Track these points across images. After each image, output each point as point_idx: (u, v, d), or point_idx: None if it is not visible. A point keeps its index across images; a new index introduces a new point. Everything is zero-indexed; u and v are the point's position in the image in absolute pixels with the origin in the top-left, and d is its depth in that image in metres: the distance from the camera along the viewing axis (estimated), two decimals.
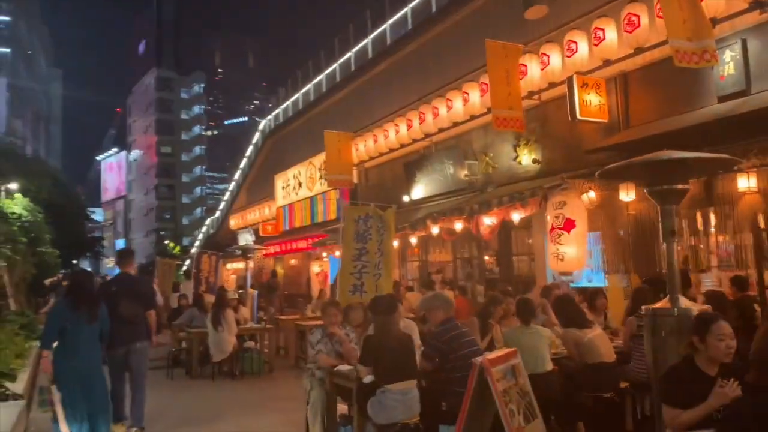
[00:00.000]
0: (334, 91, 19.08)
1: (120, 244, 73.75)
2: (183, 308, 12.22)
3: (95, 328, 5.43)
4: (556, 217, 7.95)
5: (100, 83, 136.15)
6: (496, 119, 9.78)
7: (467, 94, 11.52)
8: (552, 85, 9.82)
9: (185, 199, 79.84)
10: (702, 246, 7.31)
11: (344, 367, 5.28)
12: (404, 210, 13.27)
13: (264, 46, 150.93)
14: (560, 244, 7.91)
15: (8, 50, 54.62)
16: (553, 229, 8.00)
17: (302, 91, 21.73)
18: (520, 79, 10.11)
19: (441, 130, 12.55)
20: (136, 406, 6.28)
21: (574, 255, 7.86)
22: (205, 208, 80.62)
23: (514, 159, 11.04)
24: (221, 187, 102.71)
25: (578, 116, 8.81)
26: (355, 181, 16.35)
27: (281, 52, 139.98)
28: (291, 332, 12.55)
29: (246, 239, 24.54)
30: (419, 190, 13.36)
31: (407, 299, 12.70)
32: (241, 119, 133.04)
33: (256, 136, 27.15)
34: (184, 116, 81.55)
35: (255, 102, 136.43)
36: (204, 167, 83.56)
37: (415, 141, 13.53)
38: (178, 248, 44.02)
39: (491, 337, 6.16)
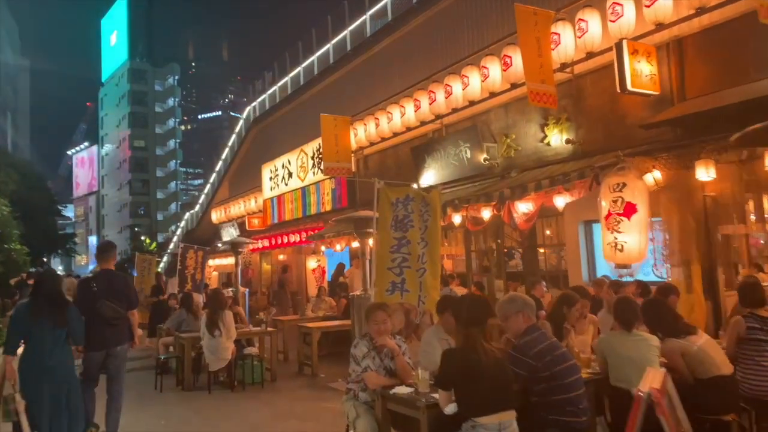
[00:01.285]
0: (328, 73, 17.79)
1: (93, 241, 71.47)
2: (169, 308, 10.93)
3: (63, 332, 5.07)
4: (614, 201, 6.86)
5: (70, 75, 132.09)
6: (531, 93, 8.67)
7: (486, 69, 10.39)
8: (590, 56, 8.75)
9: (160, 195, 77.88)
10: None
11: (403, 389, 4.11)
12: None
13: (238, 38, 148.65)
14: (619, 232, 6.82)
15: None
16: (610, 215, 6.91)
17: (291, 74, 20.37)
18: (552, 50, 9.04)
19: (455, 110, 11.41)
20: (113, 414, 5.86)
21: (636, 244, 6.78)
22: (180, 203, 78.78)
23: (542, 140, 9.95)
24: (196, 182, 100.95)
25: (629, 87, 7.74)
26: (353, 169, 15.14)
27: (256, 45, 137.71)
28: (291, 334, 11.34)
29: (230, 234, 23.16)
30: (430, 176, 12.20)
31: None
32: (215, 113, 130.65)
33: (240, 125, 25.69)
34: (158, 109, 79.45)
35: (229, 96, 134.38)
36: (179, 161, 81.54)
37: (423, 123, 12.37)
38: (154, 244, 42.25)
39: (566, 345, 5.05)
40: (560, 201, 7.74)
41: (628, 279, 7.04)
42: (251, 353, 8.95)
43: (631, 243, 6.80)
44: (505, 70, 10.02)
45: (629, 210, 6.79)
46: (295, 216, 18.69)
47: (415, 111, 12.34)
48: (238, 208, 23.11)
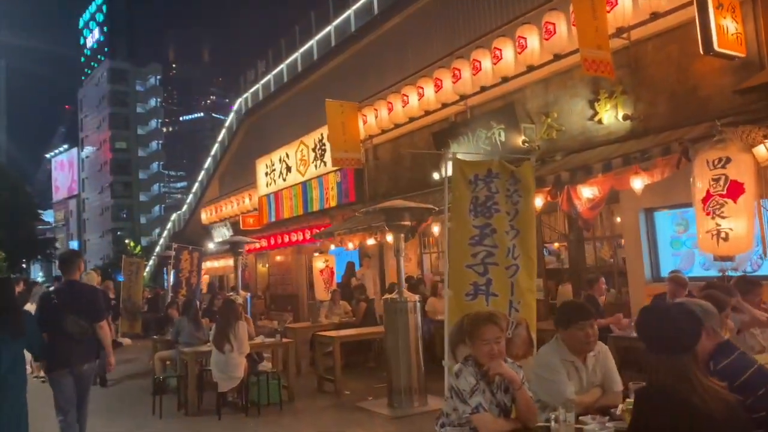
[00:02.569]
0: (329, 57, 16.44)
1: (74, 245, 69.25)
2: (168, 317, 9.57)
3: (20, 343, 4.51)
4: (715, 179, 5.65)
5: (48, 76, 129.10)
6: (586, 61, 7.45)
7: (523, 39, 9.17)
8: (654, 17, 7.59)
9: (143, 197, 76.08)
10: None
11: None
12: (435, 190, 10.88)
13: (218, 39, 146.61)
14: (722, 218, 5.62)
15: None
16: (709, 196, 5.71)
17: (287, 61, 18.95)
18: (607, 12, 7.87)
19: (483, 89, 10.18)
20: None
21: (743, 231, 5.59)
22: (164, 206, 76.92)
23: (591, 118, 8.73)
24: (179, 185, 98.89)
25: (716, 48, 6.54)
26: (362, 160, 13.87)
27: (236, 46, 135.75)
28: (300, 342, 10.02)
29: (222, 234, 21.74)
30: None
31: (432, 304, 10.38)
32: (197, 115, 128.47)
33: (230, 118, 24.21)
34: (140, 110, 77.62)
35: (211, 98, 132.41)
36: (162, 163, 79.65)
37: (445, 105, 11.12)
38: (139, 248, 40.60)
39: None
40: (637, 183, 6.51)
41: (732, 274, 5.83)
42: (266, 369, 7.60)
43: (738, 230, 5.61)
44: (547, 39, 8.81)
45: (735, 190, 5.60)
46: (295, 213, 17.33)
47: (436, 92, 11.09)
48: (230, 206, 21.69)
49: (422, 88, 11.45)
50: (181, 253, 11.95)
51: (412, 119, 12.04)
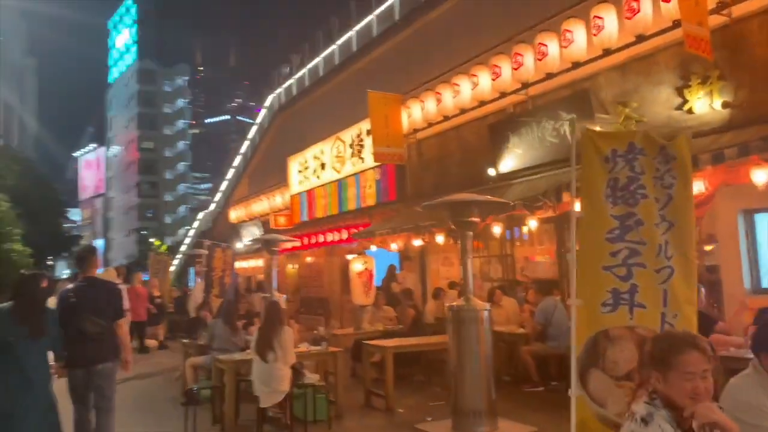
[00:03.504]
0: (370, 48, 15.60)
1: (99, 244, 69.49)
2: (200, 319, 8.76)
3: (43, 342, 4.66)
4: None
5: (78, 76, 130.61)
6: (689, 38, 6.50)
7: (600, 19, 8.22)
8: None
9: (168, 197, 76.26)
10: None
11: None
12: (488, 188, 9.96)
13: (245, 42, 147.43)
14: None
15: None
16: None
17: (323, 54, 18.16)
18: None
19: (549, 76, 9.24)
20: None
21: None
22: (189, 206, 76.97)
23: (679, 107, 7.73)
24: (203, 186, 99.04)
25: None
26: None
27: (262, 47, 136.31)
28: (347, 352, 9.12)
29: (252, 234, 21.00)
30: (512, 159, 10.02)
31: (502, 306, 9.45)
32: (223, 117, 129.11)
33: (261, 114, 23.49)
34: (167, 110, 77.97)
35: (236, 100, 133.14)
36: (188, 163, 79.76)
37: (503, 95, 10.19)
38: (165, 246, 40.18)
39: None
40: (760, 176, 5.52)
41: None
42: (313, 382, 6.70)
43: None
44: (629, 18, 7.85)
45: None
46: (330, 212, 16.50)
47: (494, 80, 10.17)
48: (260, 205, 20.95)
49: (476, 76, 10.55)
50: (214, 251, 11.15)
51: (463, 111, 11.14)
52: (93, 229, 78.75)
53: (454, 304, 6.46)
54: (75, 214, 72.97)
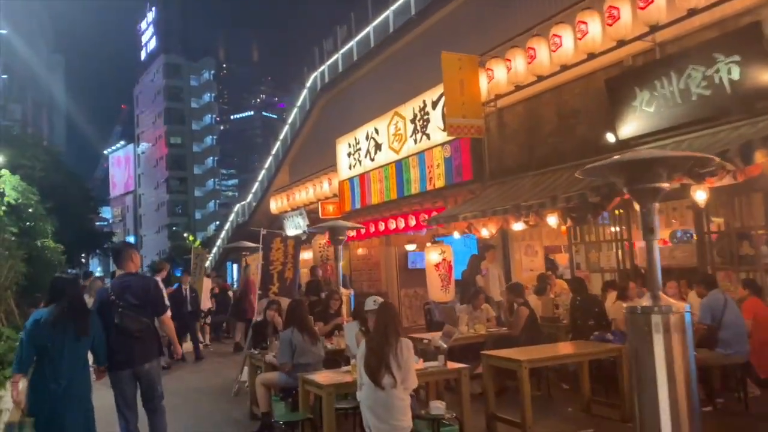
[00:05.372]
0: (433, 9, 13.74)
1: (130, 241, 69.09)
2: (268, 322, 7.10)
3: (84, 345, 4.60)
4: None
5: (105, 72, 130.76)
6: None
7: None
8: None
9: (197, 192, 75.72)
10: None
11: None
12: (604, 158, 8.08)
13: (269, 38, 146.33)
14: None
15: (4, 32, 49.30)
16: None
17: (374, 23, 16.36)
18: None
19: (692, 12, 7.34)
20: None
21: None
22: (218, 201, 76.22)
23: None
24: (230, 182, 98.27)
25: None
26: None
27: (286, 43, 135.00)
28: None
29: (296, 224, 19.39)
30: (640, 120, 8.13)
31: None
32: (248, 113, 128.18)
33: (302, 96, 21.79)
34: (194, 105, 77.35)
35: (261, 96, 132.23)
36: (216, 158, 78.97)
37: (621, 44, 8.31)
38: (198, 242, 38.97)
39: None
40: None
41: None
42: (441, 414, 4.91)
43: None
44: None
45: None
46: (387, 198, 14.74)
47: (609, 25, 8.29)
48: (304, 193, 19.32)
49: (585, 23, 8.68)
50: (272, 241, 9.50)
51: (563, 67, 9.28)
52: (124, 226, 78.54)
53: (637, 304, 4.64)
54: (106, 212, 72.74)
